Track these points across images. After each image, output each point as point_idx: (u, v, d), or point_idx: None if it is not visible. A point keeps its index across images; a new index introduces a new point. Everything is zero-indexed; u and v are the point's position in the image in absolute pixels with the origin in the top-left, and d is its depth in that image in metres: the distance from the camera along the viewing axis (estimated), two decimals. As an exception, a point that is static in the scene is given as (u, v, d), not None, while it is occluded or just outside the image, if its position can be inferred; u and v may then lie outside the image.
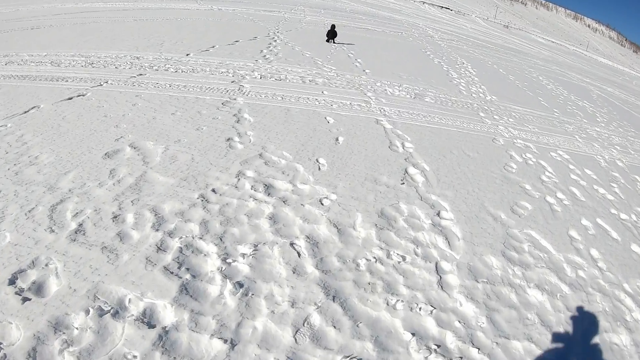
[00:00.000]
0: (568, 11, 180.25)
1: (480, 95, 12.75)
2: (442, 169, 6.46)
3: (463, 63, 19.21)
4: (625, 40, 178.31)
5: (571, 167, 8.26)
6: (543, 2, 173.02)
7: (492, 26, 72.37)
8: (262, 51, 13.14)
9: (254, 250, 3.91)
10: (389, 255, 4.18)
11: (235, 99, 8.05)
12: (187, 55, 11.46)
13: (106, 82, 8.40)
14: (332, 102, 8.77)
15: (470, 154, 7.41)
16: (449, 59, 19.37)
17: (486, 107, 11.26)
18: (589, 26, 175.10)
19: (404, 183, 5.65)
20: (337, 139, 6.76)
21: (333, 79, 10.77)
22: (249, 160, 5.60)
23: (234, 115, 7.19)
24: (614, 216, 6.53)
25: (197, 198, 4.54)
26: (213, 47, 12.95)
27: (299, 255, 3.96)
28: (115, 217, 4.04)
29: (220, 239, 3.97)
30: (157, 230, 3.94)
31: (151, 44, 12.58)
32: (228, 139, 6.17)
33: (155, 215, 4.15)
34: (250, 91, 8.67)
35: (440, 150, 7.20)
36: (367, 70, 12.57)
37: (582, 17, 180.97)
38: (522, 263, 4.58)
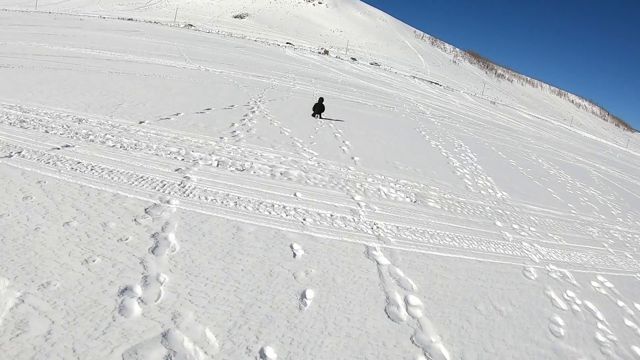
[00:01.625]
0: (552, 87, 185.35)
1: (490, 191, 10.45)
2: (469, 354, 3.82)
3: (461, 146, 17.16)
4: (608, 114, 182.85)
5: (620, 303, 6.18)
6: (528, 79, 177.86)
7: (480, 102, 72.45)
8: (233, 125, 10.81)
9: None
10: None
11: (168, 202, 5.52)
12: (141, 123, 9.16)
13: (19, 152, 6.31)
14: (305, 212, 6.23)
15: (503, 309, 4.88)
16: (445, 141, 17.32)
17: (500, 211, 8.90)
18: (572, 102, 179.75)
19: (414, 409, 3.00)
20: (303, 297, 4.16)
21: (313, 170, 8.35)
22: (141, 350, 2.96)
23: (153, 235, 4.63)
24: None
25: None
26: (177, 114, 10.65)
27: None
28: None
29: None
30: None
31: (108, 103, 10.43)
32: (123, 291, 3.60)
33: None
34: (195, 188, 6.17)
35: (462, 308, 4.64)
36: (356, 158, 10.21)
37: (566, 93, 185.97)
38: None
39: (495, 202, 9.67)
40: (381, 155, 11.24)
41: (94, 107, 10.00)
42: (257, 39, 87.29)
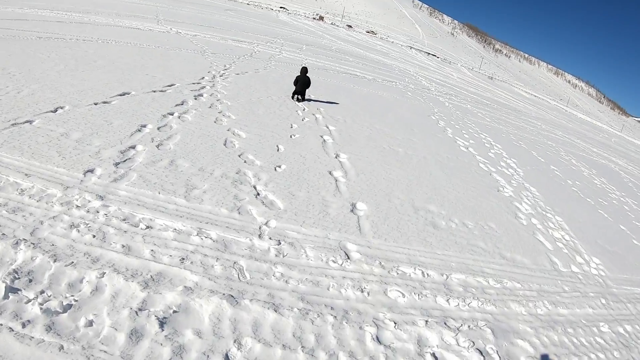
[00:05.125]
0: (550, 66, 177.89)
1: (580, 261, 6.23)
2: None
3: (492, 144, 12.27)
4: (604, 97, 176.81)
5: None
6: (526, 55, 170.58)
7: (478, 77, 66.71)
8: (139, 130, 5.61)
9: None
10: None
11: None
12: None
13: None
14: None
15: None
16: (471, 136, 12.40)
17: (625, 342, 3.85)
18: (569, 82, 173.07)
19: None
20: None
21: (256, 292, 3.06)
22: None
23: None
24: None
25: None
26: (55, 110, 5.84)
27: None
28: None
29: None
30: None
31: None
32: None
33: None
34: None
35: None
36: (360, 208, 5.09)
37: (563, 72, 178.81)
38: None
39: (603, 302, 4.92)
40: (403, 191, 6.03)
41: None
42: (250, 2, 79.44)
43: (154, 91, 7.81)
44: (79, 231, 3.43)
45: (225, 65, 12.48)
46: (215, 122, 6.80)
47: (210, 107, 7.64)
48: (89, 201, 3.86)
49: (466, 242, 5.01)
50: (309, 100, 10.41)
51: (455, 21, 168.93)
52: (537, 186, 9.16)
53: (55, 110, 5.82)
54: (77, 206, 3.75)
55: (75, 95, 6.58)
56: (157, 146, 5.31)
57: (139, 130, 5.73)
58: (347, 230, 4.37)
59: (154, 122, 6.14)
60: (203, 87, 9.03)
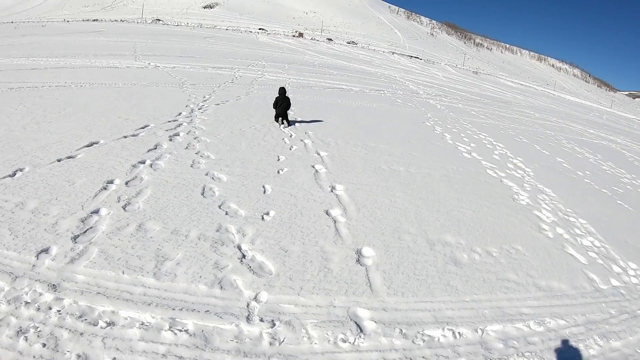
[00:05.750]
0: (532, 53, 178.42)
1: (617, 270, 5.61)
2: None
3: (493, 145, 11.55)
4: (589, 76, 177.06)
5: None
6: (507, 46, 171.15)
7: (463, 73, 66.36)
8: (105, 188, 5.02)
9: None
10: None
11: None
12: None
13: None
14: None
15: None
16: (471, 139, 11.78)
17: None
18: (553, 66, 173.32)
19: None
20: None
21: None
22: None
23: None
24: None
25: None
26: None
27: None
28: None
29: None
30: None
31: None
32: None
33: None
34: None
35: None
36: (365, 253, 4.46)
37: (546, 57, 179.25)
38: None
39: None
40: (413, 222, 5.32)
41: None
42: (229, 28, 79.20)
43: (125, 137, 7.09)
44: (27, 339, 2.69)
45: (204, 96, 11.81)
46: (192, 167, 6.05)
47: (186, 147, 6.90)
48: (40, 294, 3.11)
49: (495, 277, 4.24)
50: (295, 122, 9.71)
51: (434, 21, 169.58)
52: (551, 186, 8.44)
53: (14, 174, 5.11)
54: (27, 302, 3.01)
55: (37, 152, 5.86)
56: (124, 207, 4.55)
57: (105, 189, 4.97)
58: (355, 290, 3.59)
59: (122, 176, 5.39)
60: (179, 125, 8.32)
